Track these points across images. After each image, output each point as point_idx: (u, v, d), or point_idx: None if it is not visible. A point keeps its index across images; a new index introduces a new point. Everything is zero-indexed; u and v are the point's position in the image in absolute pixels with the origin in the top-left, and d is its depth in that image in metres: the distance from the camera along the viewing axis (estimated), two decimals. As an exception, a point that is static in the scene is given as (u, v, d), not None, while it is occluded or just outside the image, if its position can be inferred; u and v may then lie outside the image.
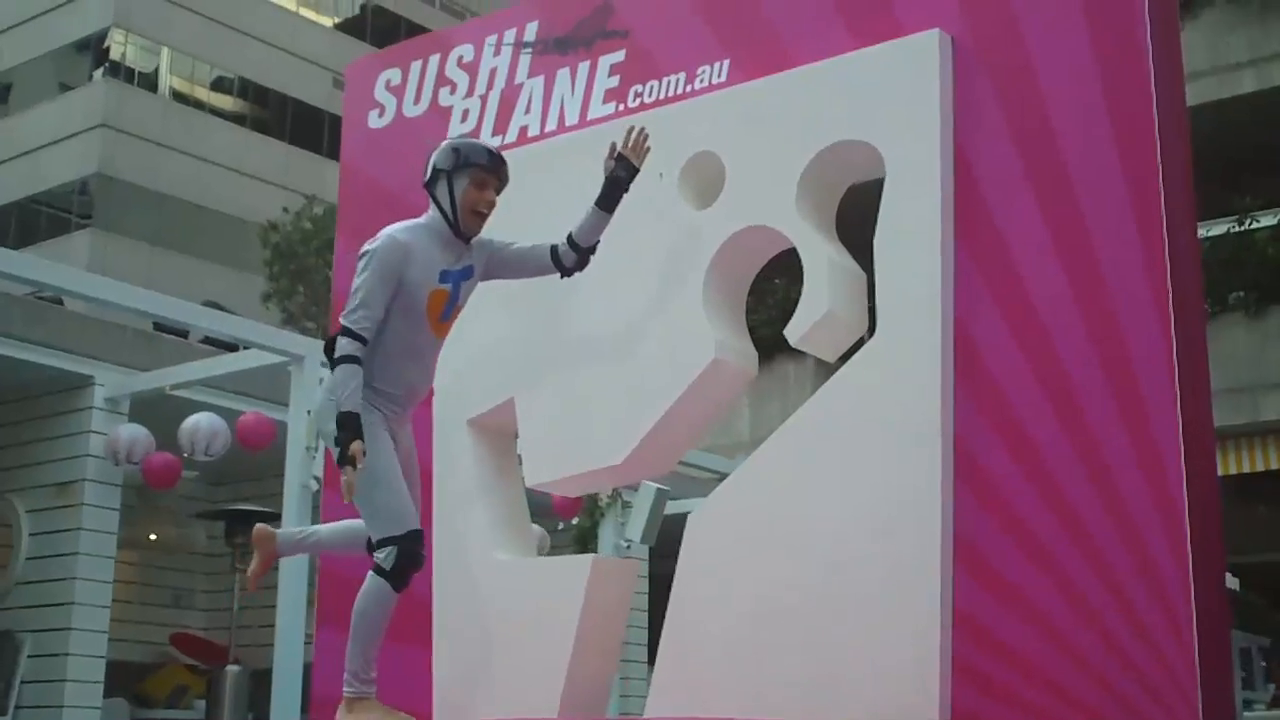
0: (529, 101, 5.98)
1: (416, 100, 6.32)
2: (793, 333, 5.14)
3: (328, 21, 39.82)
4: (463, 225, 4.79)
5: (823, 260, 5.11)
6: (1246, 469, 16.00)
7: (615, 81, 5.77)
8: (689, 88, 5.58)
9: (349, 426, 4.38)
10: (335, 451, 4.46)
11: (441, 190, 4.79)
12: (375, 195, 6.38)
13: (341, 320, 4.57)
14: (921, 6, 5.13)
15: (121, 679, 12.51)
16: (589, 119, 5.80)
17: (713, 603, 5.16)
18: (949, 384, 4.87)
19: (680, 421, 5.41)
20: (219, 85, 37.05)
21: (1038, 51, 4.96)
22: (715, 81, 5.53)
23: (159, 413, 11.18)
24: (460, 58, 6.23)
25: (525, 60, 6.04)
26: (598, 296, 5.46)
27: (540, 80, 5.97)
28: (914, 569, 4.76)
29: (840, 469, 4.97)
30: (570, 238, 5.00)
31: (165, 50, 35.86)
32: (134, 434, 11.00)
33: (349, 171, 6.60)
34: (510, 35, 6.10)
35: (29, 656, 11.05)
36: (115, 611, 11.71)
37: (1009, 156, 4.96)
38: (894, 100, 5.06)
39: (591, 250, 5.05)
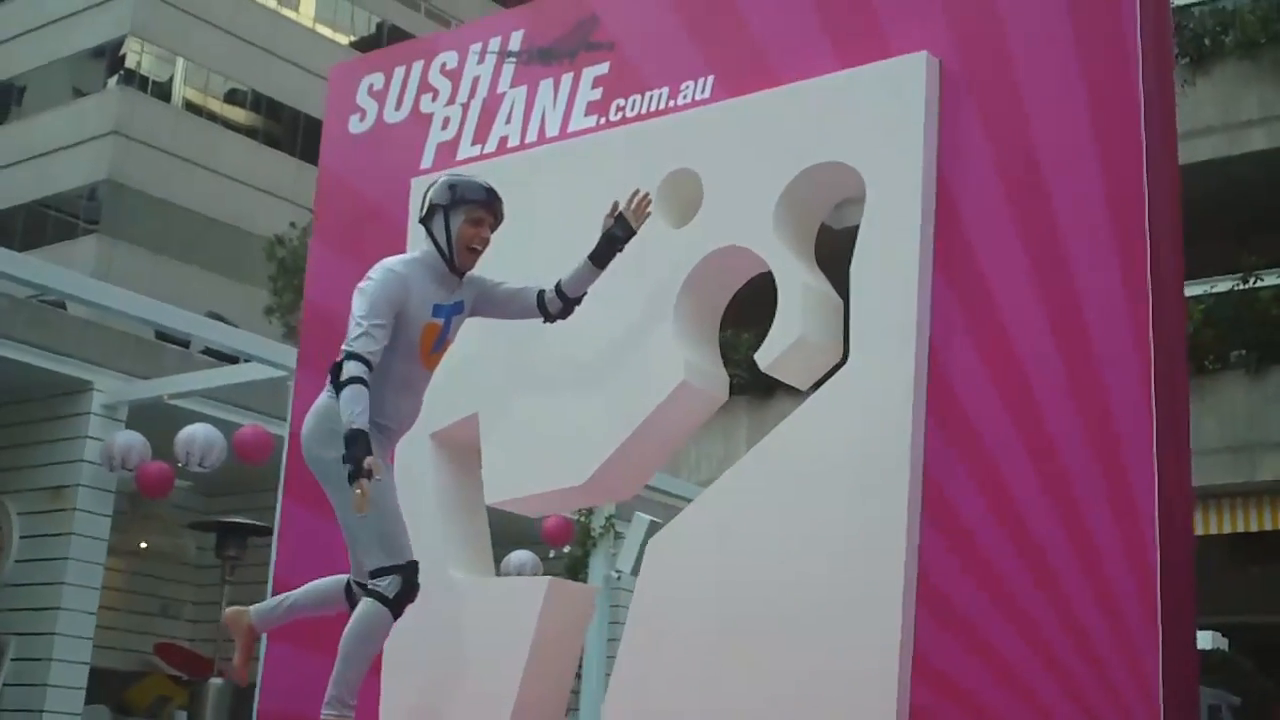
0: (510, 111, 5.86)
1: (398, 106, 6.19)
2: (763, 357, 5.00)
3: (344, 39, 39.82)
4: (458, 261, 4.77)
5: (797, 284, 4.97)
6: (1241, 529, 15.78)
7: (598, 94, 5.65)
8: (672, 103, 5.46)
9: (359, 443, 4.33)
10: (331, 469, 4.45)
11: (438, 225, 4.76)
12: (352, 201, 6.27)
13: (345, 347, 4.53)
14: (910, 28, 5.00)
15: (104, 686, 12.39)
16: (570, 131, 5.68)
17: (670, 626, 5.02)
18: (920, 417, 4.72)
19: (646, 444, 5.27)
20: (232, 98, 37.01)
21: (1028, 81, 4.83)
22: (699, 98, 5.40)
23: (156, 421, 11.12)
24: (444, 65, 6.11)
25: (509, 69, 5.92)
26: (568, 313, 5.31)
27: (522, 90, 5.85)
28: (874, 606, 4.60)
29: (805, 499, 4.83)
30: (559, 286, 4.95)
31: (180, 61, 35.81)
32: (130, 441, 10.94)
33: (327, 176, 6.47)
34: (495, 44, 5.98)
35: (12, 659, 10.98)
36: (101, 618, 11.63)
37: (993, 186, 4.82)
38: (878, 123, 4.94)
39: (578, 301, 4.99)
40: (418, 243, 5.82)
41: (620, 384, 5.24)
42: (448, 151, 5.96)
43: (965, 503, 4.63)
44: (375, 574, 4.52)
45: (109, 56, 35.55)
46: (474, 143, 5.91)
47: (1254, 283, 15.94)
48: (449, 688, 5.41)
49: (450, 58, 6.09)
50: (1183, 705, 4.32)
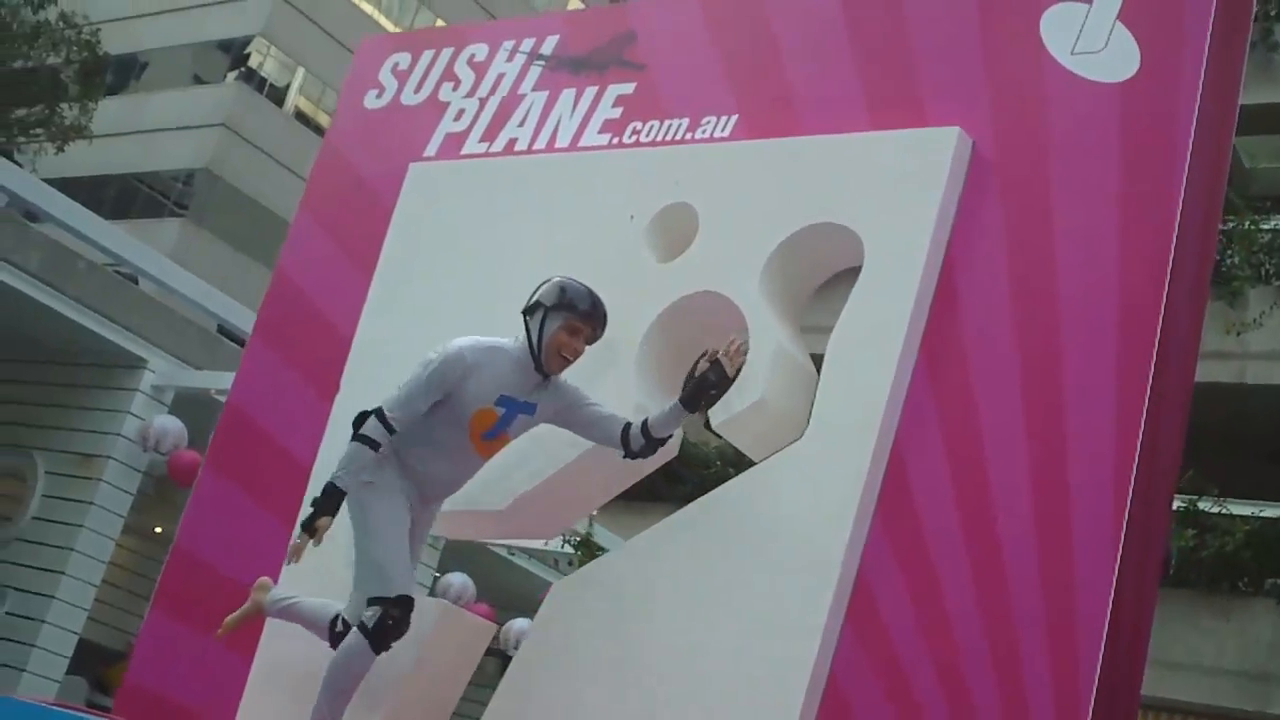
0: (526, 114, 5.54)
1: (417, 89, 5.90)
2: (717, 414, 4.59)
3: (466, 86, 40.23)
4: (544, 363, 4.57)
5: (770, 344, 4.57)
6: (1242, 758, 15.03)
7: (617, 113, 5.31)
8: (690, 135, 5.10)
9: (329, 498, 4.36)
10: (354, 494, 4.46)
11: (534, 321, 4.58)
12: (348, 175, 5.99)
13: (382, 404, 4.48)
14: (950, 103, 4.62)
15: (88, 659, 12.27)
16: (580, 145, 5.34)
17: (556, 676, 4.60)
18: (867, 513, 4.29)
19: (578, 483, 4.90)
20: (343, 117, 37.44)
21: (1061, 188, 4.41)
22: (718, 134, 5.04)
23: (200, 413, 11.09)
24: (472, 56, 5.81)
25: (535, 72, 5.61)
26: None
27: (543, 95, 5.53)
28: (774, 696, 4.15)
29: (727, 570, 4.41)
30: (645, 424, 4.60)
31: (300, 70, 36.24)
32: (168, 425, 11.03)
33: (330, 146, 6.21)
34: (528, 44, 5.68)
35: (6, 613, 10.97)
36: (101, 593, 11.63)
37: (1000, 291, 4.41)
38: (892, 192, 4.55)
39: (662, 442, 4.65)
40: (400, 231, 5.54)
41: (566, 413, 4.82)
42: (455, 143, 5.67)
43: (894, 613, 4.19)
44: (366, 603, 4.42)
45: (234, 52, 36.05)
46: (482, 139, 5.60)
47: (1302, 513, 15.32)
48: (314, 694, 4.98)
49: (480, 50, 5.79)
50: None
